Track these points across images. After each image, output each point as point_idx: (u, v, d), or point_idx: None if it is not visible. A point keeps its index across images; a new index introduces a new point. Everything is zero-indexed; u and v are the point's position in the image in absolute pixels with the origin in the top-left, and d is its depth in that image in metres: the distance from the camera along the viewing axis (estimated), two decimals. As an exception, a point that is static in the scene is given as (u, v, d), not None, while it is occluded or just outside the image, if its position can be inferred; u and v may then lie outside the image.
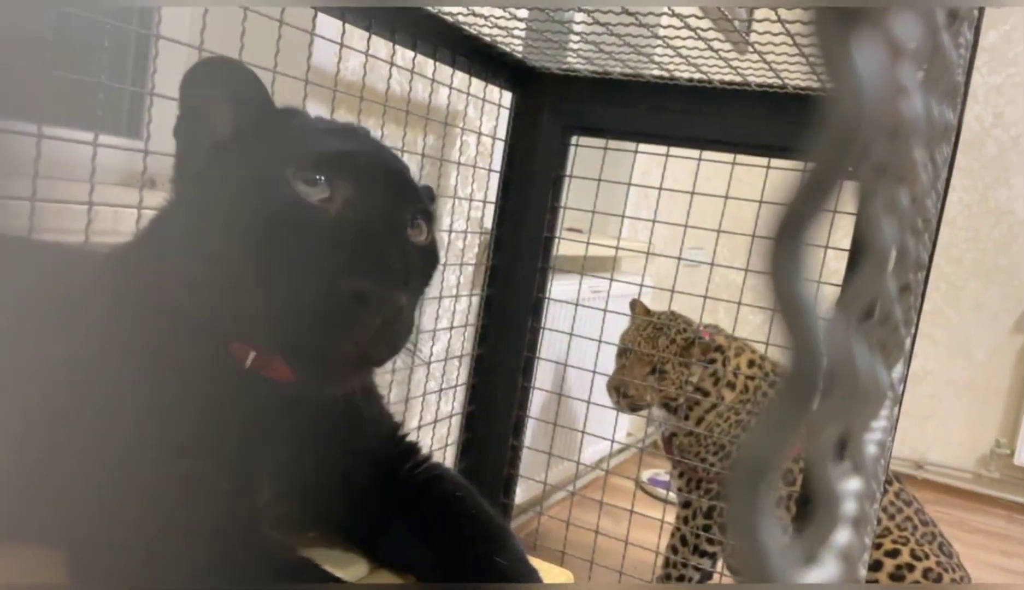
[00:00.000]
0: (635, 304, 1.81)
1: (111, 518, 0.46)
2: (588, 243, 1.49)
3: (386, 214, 0.49)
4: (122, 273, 0.54)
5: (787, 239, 0.09)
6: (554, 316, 1.50)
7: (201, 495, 0.46)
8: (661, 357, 1.72)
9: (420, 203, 0.53)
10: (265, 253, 0.46)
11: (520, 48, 1.29)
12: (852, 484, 0.19)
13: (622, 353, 1.78)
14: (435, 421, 1.38)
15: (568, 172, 1.40)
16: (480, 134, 1.44)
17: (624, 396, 1.75)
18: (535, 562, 0.60)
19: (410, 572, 0.58)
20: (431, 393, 1.36)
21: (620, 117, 1.35)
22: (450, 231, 1.46)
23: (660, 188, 1.38)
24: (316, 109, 1.09)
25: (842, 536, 0.16)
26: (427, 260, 0.54)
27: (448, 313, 1.42)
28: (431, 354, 1.42)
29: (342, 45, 1.03)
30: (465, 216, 1.52)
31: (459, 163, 1.37)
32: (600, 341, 1.43)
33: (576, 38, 1.20)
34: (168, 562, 0.44)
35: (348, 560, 0.57)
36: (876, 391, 0.17)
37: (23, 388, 0.50)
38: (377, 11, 1.04)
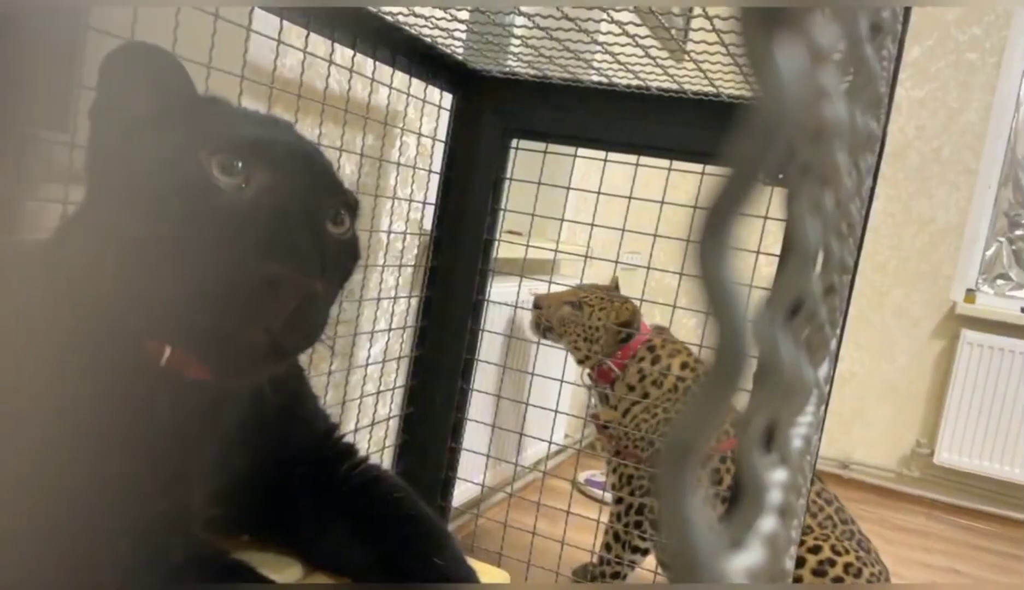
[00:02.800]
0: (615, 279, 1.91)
1: (35, 519, 0.45)
2: (528, 246, 1.50)
3: (303, 202, 0.48)
4: (38, 269, 0.52)
5: (712, 230, 0.10)
6: (493, 318, 1.51)
7: (128, 496, 0.45)
8: (585, 297, 1.79)
9: (342, 196, 0.52)
10: (174, 238, 0.44)
11: (461, 50, 1.30)
12: (778, 475, 0.20)
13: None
14: (372, 424, 1.37)
15: (508, 175, 1.40)
16: (420, 135, 1.43)
17: (536, 307, 1.84)
18: (473, 563, 0.60)
19: (346, 574, 0.57)
20: (368, 396, 1.35)
21: (560, 121, 1.36)
22: (389, 232, 1.45)
23: (599, 192, 1.39)
24: (252, 106, 1.08)
25: (767, 523, 0.16)
26: (346, 253, 0.53)
27: (387, 315, 1.41)
28: (368, 356, 1.40)
29: (279, 42, 1.01)
30: (404, 217, 1.52)
31: (398, 164, 1.36)
32: (539, 343, 1.44)
33: (517, 42, 1.21)
34: (96, 564, 0.42)
35: (282, 563, 0.56)
36: (801, 385, 0.17)
37: None
38: (316, 8, 1.03)
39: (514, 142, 1.41)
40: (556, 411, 1.45)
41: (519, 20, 1.63)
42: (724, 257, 0.10)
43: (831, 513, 1.73)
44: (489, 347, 1.50)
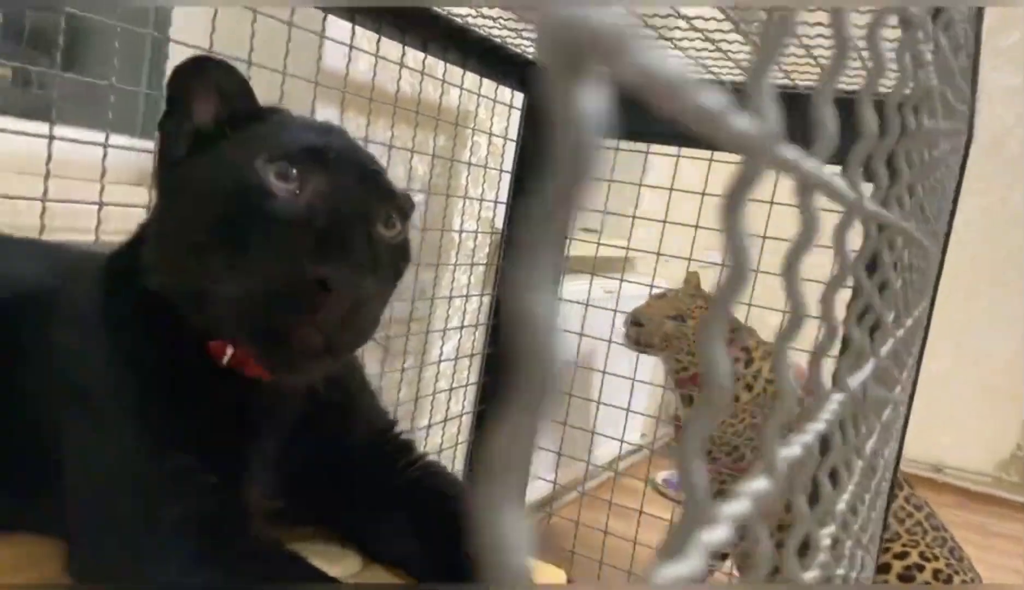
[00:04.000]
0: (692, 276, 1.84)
1: (105, 512, 0.47)
2: (599, 244, 1.49)
3: (356, 207, 0.49)
4: (111, 273, 0.55)
5: (526, 253, 0.10)
6: (565, 316, 1.51)
7: (189, 489, 0.47)
8: (687, 310, 1.73)
9: (394, 200, 0.53)
10: (233, 241, 0.46)
11: (531, 49, 1.30)
12: (757, 484, 0.20)
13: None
14: (445, 420, 1.39)
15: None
16: (491, 135, 1.44)
17: (636, 323, 1.76)
18: (535, 562, 0.60)
19: (401, 567, 0.59)
20: (441, 392, 1.37)
21: (632, 118, 1.34)
22: (461, 231, 1.47)
23: (671, 188, 1.38)
24: (326, 110, 1.11)
25: (714, 534, 0.16)
26: (397, 256, 0.54)
27: (459, 313, 1.42)
28: (441, 353, 1.42)
29: (352, 47, 1.04)
30: (476, 216, 1.53)
31: (469, 163, 1.38)
32: (610, 341, 1.44)
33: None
34: (159, 555, 0.45)
35: (341, 555, 0.58)
36: (720, 392, 0.17)
37: (17, 385, 0.51)
38: (387, 13, 1.05)
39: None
40: (628, 410, 1.44)
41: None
42: (532, 282, 0.10)
43: (920, 519, 1.66)
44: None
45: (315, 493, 0.58)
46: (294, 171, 0.48)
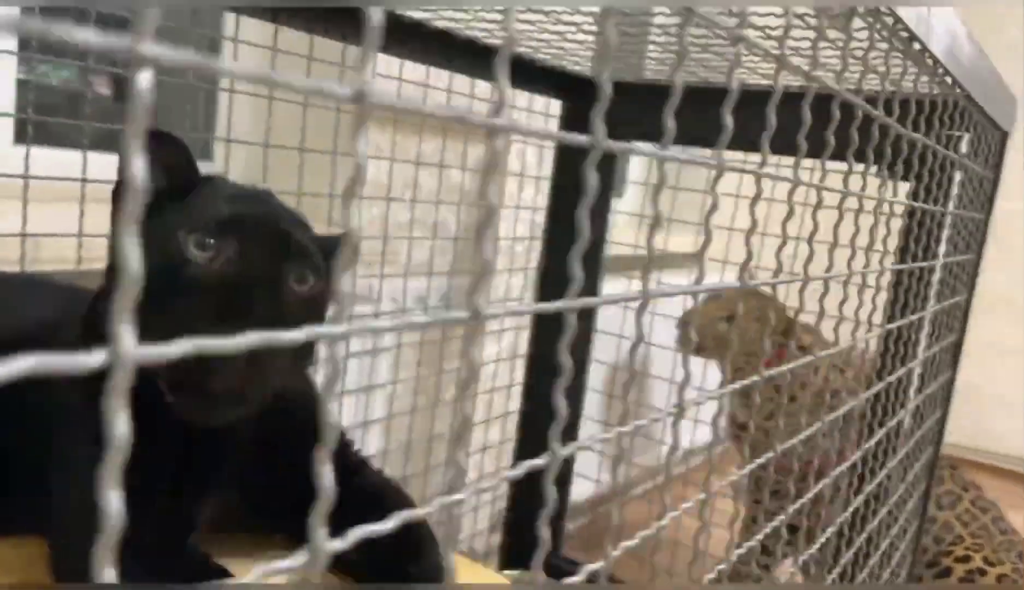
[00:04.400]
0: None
1: (70, 527, 0.57)
2: (635, 246, 1.51)
3: (265, 270, 0.56)
4: (87, 317, 0.62)
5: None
6: (607, 318, 1.54)
7: (138, 506, 0.54)
8: (738, 309, 1.71)
9: (307, 258, 0.58)
10: (158, 303, 0.51)
11: (568, 57, 1.34)
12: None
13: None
14: (488, 419, 1.44)
15: (624, 177, 1.43)
16: (526, 143, 1.49)
17: (686, 325, 1.76)
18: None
19: (349, 574, 0.67)
20: (484, 393, 1.43)
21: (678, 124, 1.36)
22: (513, 239, 1.52)
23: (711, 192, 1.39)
24: (377, 132, 1.19)
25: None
26: (311, 308, 0.60)
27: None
28: (482, 358, 1.48)
29: (400, 80, 1.11)
30: (520, 223, 1.58)
31: (521, 174, 1.43)
32: (649, 344, 1.46)
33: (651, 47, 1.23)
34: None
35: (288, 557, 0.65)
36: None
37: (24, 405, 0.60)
38: (433, 44, 1.11)
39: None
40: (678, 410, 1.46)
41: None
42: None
43: (987, 523, 1.61)
44: (602, 348, 1.53)
45: (271, 505, 0.65)
46: (211, 241, 0.55)
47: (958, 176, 0.95)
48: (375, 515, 0.62)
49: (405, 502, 0.71)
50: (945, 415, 1.12)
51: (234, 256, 0.56)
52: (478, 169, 1.41)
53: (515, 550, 1.49)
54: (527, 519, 1.50)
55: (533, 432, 1.46)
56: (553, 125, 1.44)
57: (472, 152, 1.42)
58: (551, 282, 1.45)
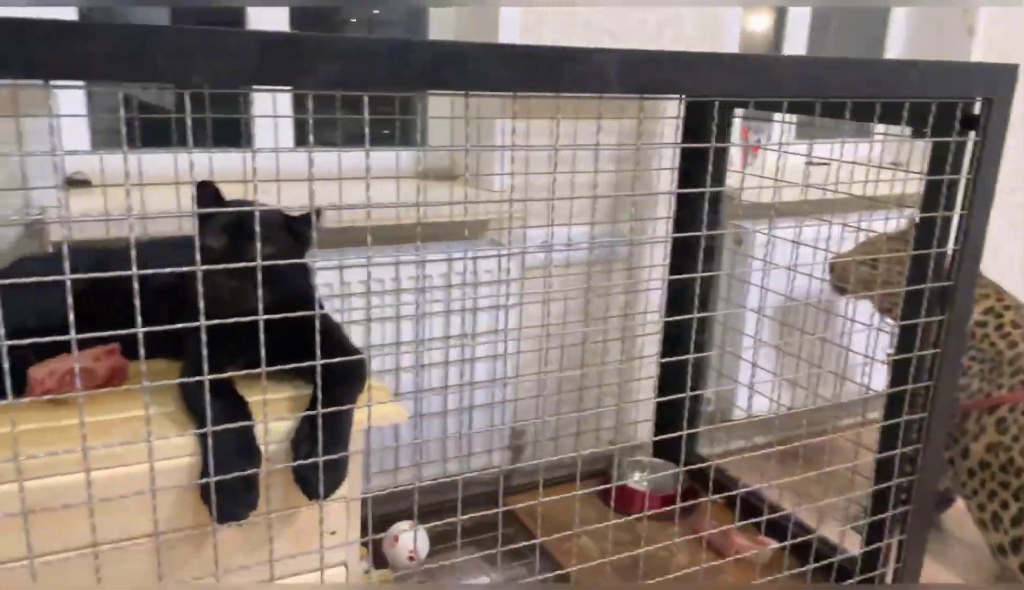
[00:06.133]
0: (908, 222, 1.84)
1: (190, 365, 1.18)
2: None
3: (240, 243, 1.11)
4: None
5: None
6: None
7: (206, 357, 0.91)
8: (878, 252, 1.79)
9: (255, 233, 0.91)
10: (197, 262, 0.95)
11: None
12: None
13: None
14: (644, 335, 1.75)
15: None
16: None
17: (832, 270, 1.91)
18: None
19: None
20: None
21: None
22: (653, 242, 1.82)
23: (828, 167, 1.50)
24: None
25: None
26: (272, 257, 1.10)
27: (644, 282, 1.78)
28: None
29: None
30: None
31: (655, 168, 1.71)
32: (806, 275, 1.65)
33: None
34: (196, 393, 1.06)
35: (293, 386, 1.18)
36: None
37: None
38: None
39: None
40: (870, 358, 1.56)
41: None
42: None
43: None
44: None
45: (274, 361, 0.98)
46: (218, 230, 1.10)
47: None
48: (332, 354, 1.18)
49: (352, 351, 1.17)
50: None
51: (226, 237, 1.10)
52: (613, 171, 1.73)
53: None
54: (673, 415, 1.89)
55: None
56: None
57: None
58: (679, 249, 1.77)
